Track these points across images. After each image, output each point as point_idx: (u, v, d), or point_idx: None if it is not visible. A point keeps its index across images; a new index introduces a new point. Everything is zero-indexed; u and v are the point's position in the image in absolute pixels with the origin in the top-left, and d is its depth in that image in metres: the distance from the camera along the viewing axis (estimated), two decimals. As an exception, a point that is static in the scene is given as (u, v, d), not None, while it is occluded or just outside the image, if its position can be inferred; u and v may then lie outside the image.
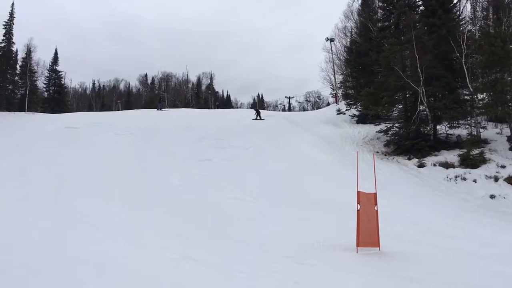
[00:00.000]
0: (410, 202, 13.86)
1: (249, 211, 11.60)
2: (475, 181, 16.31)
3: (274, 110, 65.77)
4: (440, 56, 20.68)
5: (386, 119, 23.47)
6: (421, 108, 20.66)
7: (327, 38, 42.76)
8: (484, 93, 20.22)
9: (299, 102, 69.40)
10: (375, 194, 7.73)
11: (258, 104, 65.42)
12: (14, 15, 38.41)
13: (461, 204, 14.31)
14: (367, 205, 7.61)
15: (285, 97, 63.63)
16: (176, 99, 69.28)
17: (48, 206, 10.48)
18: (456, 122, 20.57)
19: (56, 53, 47.29)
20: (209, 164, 17.72)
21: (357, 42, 33.31)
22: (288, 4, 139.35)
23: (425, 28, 21.81)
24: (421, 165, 18.62)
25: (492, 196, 15.13)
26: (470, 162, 17.28)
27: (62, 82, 49.69)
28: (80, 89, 78.09)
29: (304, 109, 67.64)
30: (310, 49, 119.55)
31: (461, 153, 17.98)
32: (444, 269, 6.64)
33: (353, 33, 38.94)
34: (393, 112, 23.11)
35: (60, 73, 47.84)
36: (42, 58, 48.61)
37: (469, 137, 19.48)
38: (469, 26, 25.08)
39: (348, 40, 40.16)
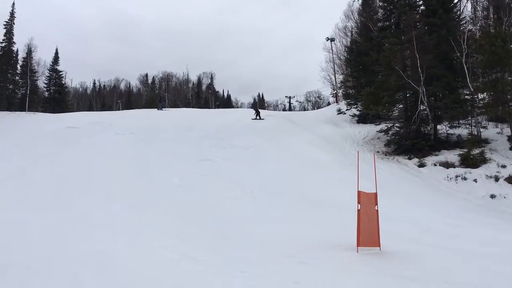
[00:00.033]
0: (410, 201, 13.85)
1: (249, 210, 11.60)
2: (475, 180, 16.31)
3: (274, 110, 65.78)
4: (441, 56, 20.66)
5: (387, 118, 23.44)
6: (421, 108, 20.64)
7: (327, 37, 42.72)
8: (485, 93, 20.20)
9: (300, 102, 69.31)
10: (376, 193, 7.73)
11: (259, 104, 65.35)
12: (15, 15, 38.45)
13: (461, 204, 14.30)
14: (367, 204, 7.61)
15: (286, 96, 63.37)
16: (177, 99, 69.30)
17: (48, 206, 10.48)
18: (457, 122, 20.55)
19: (56, 53, 47.38)
20: (209, 164, 17.71)
21: (357, 42, 33.28)
22: (288, 4, 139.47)
23: (426, 27, 21.79)
24: (421, 165, 18.61)
25: (492, 196, 15.12)
26: (471, 161, 17.27)
27: (63, 82, 49.74)
28: (80, 89, 78.29)
29: (304, 109, 67.65)
30: (310, 49, 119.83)
31: (461, 152, 17.97)
32: (444, 269, 6.64)
33: (353, 32, 38.93)
34: (394, 112, 23.09)
35: (60, 73, 47.91)
36: (42, 58, 48.60)
37: (470, 136, 19.47)
38: (469, 25, 25.05)
39: (349, 39, 40.15)
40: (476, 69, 20.92)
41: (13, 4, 38.54)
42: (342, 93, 39.91)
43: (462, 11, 26.05)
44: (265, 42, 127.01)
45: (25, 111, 36.19)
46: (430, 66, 20.04)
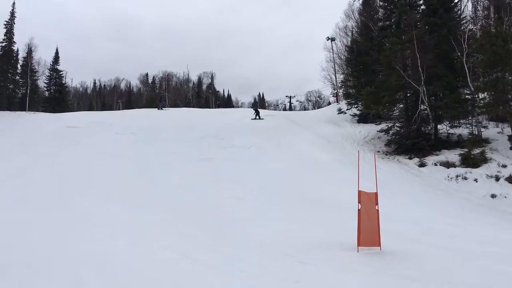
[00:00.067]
0: (411, 201, 13.84)
1: (250, 210, 11.60)
2: (476, 180, 16.29)
3: (275, 110, 65.74)
4: (441, 56, 20.64)
5: (387, 118, 23.44)
6: (422, 108, 20.63)
7: (328, 37, 42.73)
8: (485, 93, 20.19)
9: (300, 102, 69.38)
10: (376, 193, 7.72)
11: (259, 104, 65.37)
12: (15, 15, 38.40)
13: (462, 204, 14.29)
14: (368, 204, 7.60)
15: (286, 96, 63.50)
16: (177, 99, 69.30)
17: (48, 206, 10.48)
18: (457, 122, 20.53)
19: (57, 53, 47.35)
20: (209, 163, 17.70)
21: (358, 42, 33.26)
22: (288, 4, 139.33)
23: (426, 27, 21.77)
24: (422, 165, 18.60)
25: (493, 196, 15.11)
26: (471, 161, 17.25)
27: (63, 82, 49.71)
28: (81, 89, 78.23)
29: (305, 109, 67.62)
30: (311, 49, 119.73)
31: (462, 152, 17.95)
32: (444, 269, 6.62)
33: (354, 32, 38.89)
34: (394, 112, 23.08)
35: (61, 73, 47.89)
36: (43, 57, 48.52)
37: (470, 136, 19.46)
38: (470, 25, 24.99)
39: (349, 39, 40.12)
40: (476, 69, 20.91)
41: (14, 3, 38.55)
42: (342, 92, 39.91)
43: (463, 11, 26.07)
44: (266, 42, 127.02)
45: (25, 110, 36.18)
46: (431, 66, 20.02)
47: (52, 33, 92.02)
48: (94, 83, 77.16)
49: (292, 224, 9.80)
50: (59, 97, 46.23)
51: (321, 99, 71.47)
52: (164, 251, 7.12)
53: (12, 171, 14.45)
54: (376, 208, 7.57)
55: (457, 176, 16.84)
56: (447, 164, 17.89)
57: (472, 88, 20.03)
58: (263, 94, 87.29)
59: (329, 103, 53.36)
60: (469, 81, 19.92)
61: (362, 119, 27.38)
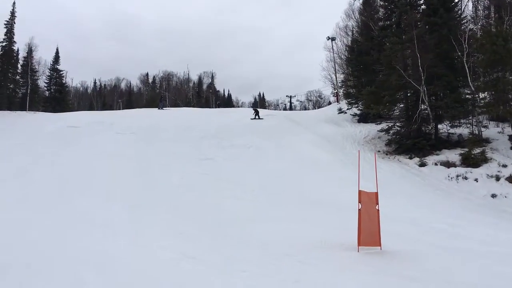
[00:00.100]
0: (411, 201, 13.85)
1: (250, 210, 11.59)
2: (476, 180, 16.28)
3: (275, 109, 65.74)
4: (442, 55, 20.63)
5: (388, 118, 23.44)
6: (422, 107, 20.63)
7: (328, 37, 42.72)
8: (486, 92, 20.18)
9: (300, 101, 69.28)
10: (377, 193, 7.71)
11: (259, 104, 65.35)
12: (15, 14, 38.41)
13: (462, 203, 14.29)
14: (368, 204, 7.59)
15: (286, 96, 63.46)
16: (177, 98, 69.31)
17: (48, 206, 10.48)
18: (458, 121, 20.54)
19: (57, 52, 47.38)
20: (209, 163, 17.70)
21: (358, 41, 33.24)
22: (288, 4, 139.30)
23: (427, 27, 21.76)
24: (422, 164, 18.59)
25: (493, 195, 15.10)
26: (472, 161, 17.24)
27: (63, 81, 49.77)
28: (81, 88, 78.26)
29: (305, 108, 67.60)
30: (311, 49, 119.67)
31: (462, 152, 17.94)
32: (445, 269, 6.62)
33: (354, 32, 38.89)
34: (395, 111, 23.08)
35: (61, 72, 47.93)
36: (43, 57, 48.61)
37: (471, 136, 19.45)
38: (470, 25, 24.98)
39: (350, 39, 40.12)
40: (477, 69, 20.90)
41: (14, 3, 38.55)
42: (343, 92, 39.87)
43: (463, 10, 26.05)
44: (266, 42, 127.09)
45: (25, 110, 36.19)
46: (431, 66, 20.01)
47: (53, 33, 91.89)
48: (95, 82, 77.26)
49: (292, 224, 9.79)
50: (59, 97, 46.26)
51: (322, 98, 71.52)
52: (165, 251, 7.12)
53: (12, 171, 14.45)
54: (377, 208, 7.57)
55: (457, 176, 16.84)
56: (448, 164, 17.88)
57: (473, 88, 20.02)
58: (263, 94, 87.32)
59: (329, 103, 53.36)
60: (469, 80, 19.91)
61: (363, 118, 27.37)
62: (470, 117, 20.51)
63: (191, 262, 6.59)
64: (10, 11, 38.24)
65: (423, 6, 23.41)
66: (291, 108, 60.11)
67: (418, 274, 6.25)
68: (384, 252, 7.40)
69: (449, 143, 20.16)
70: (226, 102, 75.32)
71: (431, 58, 20.03)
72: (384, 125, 22.38)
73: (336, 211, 11.52)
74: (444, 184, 16.61)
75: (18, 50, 40.06)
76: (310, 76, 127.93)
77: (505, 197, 14.88)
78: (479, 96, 20.33)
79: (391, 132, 21.81)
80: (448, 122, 20.66)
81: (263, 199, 13.01)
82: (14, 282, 5.54)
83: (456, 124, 20.52)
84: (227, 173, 16.21)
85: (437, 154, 19.13)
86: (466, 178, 16.59)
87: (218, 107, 52.62)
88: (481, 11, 28.30)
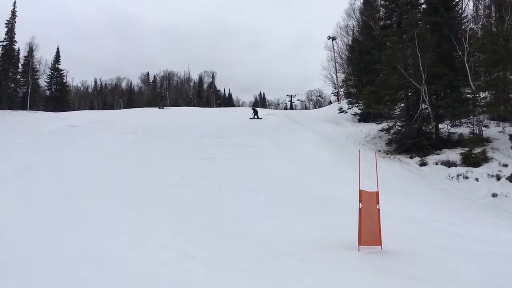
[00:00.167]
0: (411, 200, 13.84)
1: (250, 209, 11.58)
2: (477, 179, 16.27)
3: (276, 109, 65.74)
4: (442, 55, 20.61)
5: (388, 117, 23.40)
6: (423, 107, 20.61)
7: (329, 36, 42.67)
8: (487, 92, 20.19)
9: (301, 101, 69.27)
10: (377, 192, 7.71)
11: (260, 103, 65.35)
12: (16, 14, 38.54)
13: (463, 203, 14.29)
14: (369, 203, 7.59)
15: (287, 95, 63.51)
16: (178, 98, 69.34)
17: (48, 205, 10.47)
18: (458, 121, 20.50)
19: (58, 52, 47.48)
20: (210, 162, 17.70)
21: (359, 41, 33.25)
22: (289, 4, 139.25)
23: (427, 26, 21.75)
24: (423, 164, 18.57)
25: (494, 195, 15.09)
26: (472, 160, 17.23)
27: (64, 81, 49.87)
28: (82, 88, 78.32)
29: (306, 108, 67.56)
30: (312, 48, 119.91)
31: (463, 151, 17.93)
32: (445, 268, 6.62)
33: (355, 31, 38.91)
34: (395, 111, 23.06)
35: (62, 72, 48.03)
36: (44, 56, 48.76)
37: (471, 135, 19.44)
38: (471, 24, 24.97)
39: (350, 38, 40.14)
40: (478, 68, 20.88)
41: (15, 3, 38.66)
42: (343, 91, 39.87)
43: (464, 10, 26.05)
44: (266, 41, 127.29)
45: (26, 109, 36.29)
46: (432, 65, 19.99)
47: (53, 32, 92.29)
48: (95, 82, 77.33)
49: (293, 223, 9.79)
50: (60, 96, 46.35)
51: (322, 98, 71.49)
52: (165, 250, 7.11)
53: (13, 170, 14.45)
54: (377, 207, 7.56)
55: (458, 175, 16.82)
56: (448, 163, 17.87)
57: (473, 87, 20.00)
58: (264, 93, 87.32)
59: (330, 102, 53.37)
60: (470, 80, 19.89)
61: (363, 118, 27.37)
62: (471, 117, 20.47)
63: (191, 261, 6.57)
64: (11, 11, 38.37)
65: (423, 6, 23.39)
66: (291, 108, 60.15)
67: (418, 273, 6.24)
68: (384, 251, 7.39)
69: (450, 142, 20.14)
70: (227, 101, 75.37)
71: (432, 57, 20.01)
72: (384, 125, 22.37)
73: (336, 210, 11.52)
74: (444, 184, 16.60)
75: (19, 49, 40.23)
76: (311, 76, 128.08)
77: (506, 196, 14.87)
78: (479, 96, 20.31)
79: (392, 131, 21.80)
80: (448, 122, 20.65)
81: (263, 198, 13.00)
82: (14, 282, 5.53)
83: (456, 123, 20.51)
84: (228, 172, 16.20)
85: (437, 154, 19.12)
86: (466, 177, 16.57)
87: (219, 107, 52.63)
88: (482, 11, 28.33)
